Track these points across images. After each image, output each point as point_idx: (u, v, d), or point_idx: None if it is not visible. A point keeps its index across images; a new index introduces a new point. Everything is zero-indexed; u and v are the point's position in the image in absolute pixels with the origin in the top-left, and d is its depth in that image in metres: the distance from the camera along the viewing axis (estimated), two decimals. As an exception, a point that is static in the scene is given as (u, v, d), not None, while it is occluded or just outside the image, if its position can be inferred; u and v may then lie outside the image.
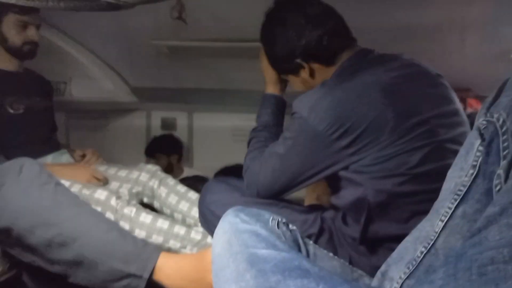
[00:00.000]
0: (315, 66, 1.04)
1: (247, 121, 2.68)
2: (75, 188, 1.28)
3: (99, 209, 1.26)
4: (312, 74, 1.05)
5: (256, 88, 2.30)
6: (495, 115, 0.47)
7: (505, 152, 0.45)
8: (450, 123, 0.94)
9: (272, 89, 1.21)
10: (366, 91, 0.89)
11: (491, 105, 0.49)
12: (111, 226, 1.00)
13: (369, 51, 1.02)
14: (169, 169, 2.58)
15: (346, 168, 0.92)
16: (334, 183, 0.99)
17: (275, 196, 1.04)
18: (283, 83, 1.21)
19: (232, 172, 2.45)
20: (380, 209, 0.90)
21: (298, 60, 1.03)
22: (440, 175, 0.88)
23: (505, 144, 0.45)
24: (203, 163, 2.77)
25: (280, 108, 1.20)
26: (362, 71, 0.93)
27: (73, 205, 0.96)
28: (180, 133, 2.75)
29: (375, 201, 0.89)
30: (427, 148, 0.88)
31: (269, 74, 1.19)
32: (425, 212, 0.87)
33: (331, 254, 0.79)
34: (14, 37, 1.51)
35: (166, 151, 2.60)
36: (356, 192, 0.92)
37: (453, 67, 1.89)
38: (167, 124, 2.78)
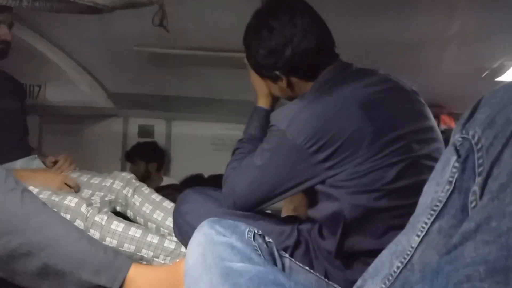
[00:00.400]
0: (294, 80, 1.02)
1: (226, 130, 2.69)
2: (44, 195, 1.23)
3: (68, 216, 1.21)
4: (290, 86, 1.04)
5: (237, 98, 2.31)
6: (471, 132, 0.48)
7: (480, 169, 0.46)
8: (425, 139, 0.95)
9: (263, 102, 1.18)
10: (345, 105, 0.90)
11: (467, 122, 0.49)
12: (81, 235, 0.96)
13: (348, 65, 1.02)
14: (146, 177, 2.55)
15: (322, 182, 0.92)
16: (311, 196, 0.98)
17: (251, 208, 1.02)
18: (275, 97, 1.19)
19: (196, 182, 2.45)
20: (356, 224, 0.90)
21: (277, 72, 1.01)
22: (415, 191, 0.88)
23: (480, 161, 0.46)
24: (181, 171, 2.74)
25: (268, 122, 1.19)
26: (340, 86, 0.94)
27: (41, 213, 0.91)
28: (158, 141, 2.71)
29: (351, 215, 0.89)
30: (403, 164, 0.89)
31: (259, 86, 1.16)
32: (401, 227, 0.87)
33: (306, 268, 0.78)
34: (-16, 36, 1.46)
35: (145, 158, 2.57)
36: (332, 206, 0.92)
37: (429, 84, 1.94)
38: (145, 132, 2.74)
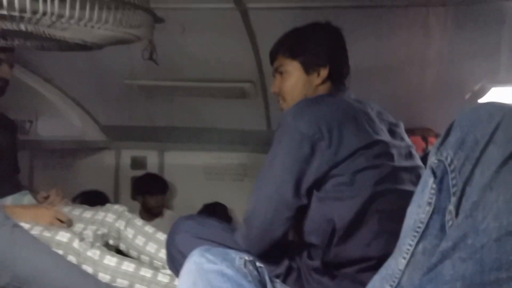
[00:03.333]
0: (323, 74, 1.11)
1: (218, 159, 2.70)
2: (36, 231, 1.22)
3: (60, 252, 1.20)
4: (318, 77, 1.12)
5: (226, 127, 2.34)
6: (444, 154, 0.50)
7: (454, 189, 0.48)
8: (404, 154, 1.04)
9: None
10: (340, 107, 1.02)
11: (441, 145, 0.52)
12: (72, 267, 0.96)
13: (344, 90, 1.13)
14: (158, 210, 2.49)
15: (320, 182, 0.95)
16: (302, 209, 0.99)
17: (270, 230, 0.98)
18: None
19: (216, 210, 2.41)
20: (344, 233, 0.93)
21: (321, 62, 1.10)
22: (394, 197, 0.93)
23: (454, 181, 0.48)
24: (176, 202, 2.72)
25: None
26: (340, 96, 1.09)
27: (31, 247, 0.91)
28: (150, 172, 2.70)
29: (341, 223, 0.93)
30: (386, 169, 0.96)
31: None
32: (386, 232, 0.90)
33: None
34: (-15, 73, 1.48)
35: (163, 191, 2.50)
36: (324, 214, 0.95)
37: (414, 108, 2.00)
38: (137, 163, 2.73)
